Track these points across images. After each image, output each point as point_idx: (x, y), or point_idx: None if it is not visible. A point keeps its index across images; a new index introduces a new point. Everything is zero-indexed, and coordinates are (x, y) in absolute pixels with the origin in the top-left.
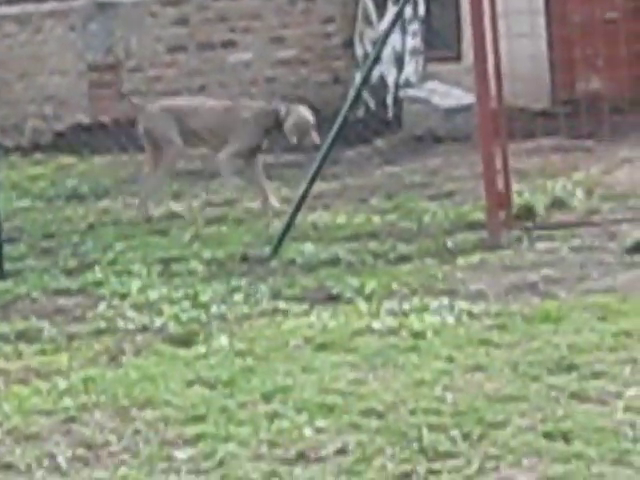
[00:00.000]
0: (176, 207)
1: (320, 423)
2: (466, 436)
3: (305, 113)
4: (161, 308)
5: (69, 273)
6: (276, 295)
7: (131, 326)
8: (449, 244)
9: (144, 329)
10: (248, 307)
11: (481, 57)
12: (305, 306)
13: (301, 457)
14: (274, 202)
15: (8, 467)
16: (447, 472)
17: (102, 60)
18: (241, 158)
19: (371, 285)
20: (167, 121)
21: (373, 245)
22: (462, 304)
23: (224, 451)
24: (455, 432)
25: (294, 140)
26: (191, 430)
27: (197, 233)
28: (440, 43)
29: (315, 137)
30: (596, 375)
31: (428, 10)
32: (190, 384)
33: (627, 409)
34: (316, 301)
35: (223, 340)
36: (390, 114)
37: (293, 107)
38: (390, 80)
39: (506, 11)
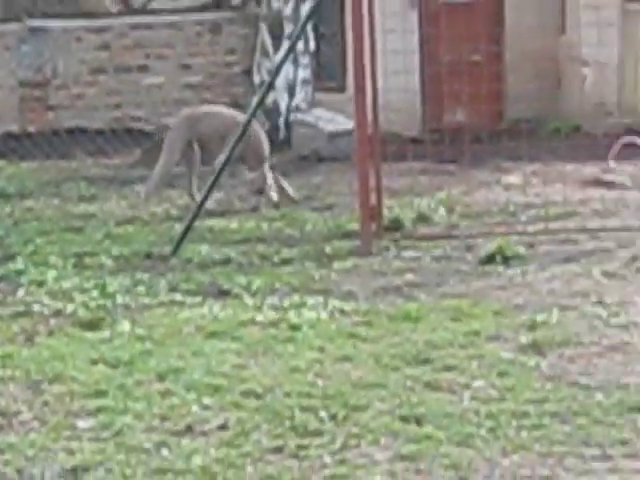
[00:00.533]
0: (91, 208)
1: (206, 401)
2: (332, 417)
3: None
4: (73, 296)
5: None
6: (174, 289)
7: (46, 311)
8: (326, 250)
9: (57, 314)
10: (149, 298)
11: (361, 89)
12: (199, 299)
13: (189, 430)
14: (275, 196)
15: None
16: (314, 448)
17: (32, 78)
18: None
19: (257, 283)
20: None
21: (260, 248)
22: (335, 302)
23: (121, 422)
24: (323, 413)
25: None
26: (93, 403)
27: (107, 232)
28: (327, 75)
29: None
30: (447, 368)
31: (317, 46)
32: (95, 363)
33: (473, 398)
34: (208, 295)
35: (125, 326)
36: (281, 135)
37: None
38: (282, 105)
39: (384, 50)
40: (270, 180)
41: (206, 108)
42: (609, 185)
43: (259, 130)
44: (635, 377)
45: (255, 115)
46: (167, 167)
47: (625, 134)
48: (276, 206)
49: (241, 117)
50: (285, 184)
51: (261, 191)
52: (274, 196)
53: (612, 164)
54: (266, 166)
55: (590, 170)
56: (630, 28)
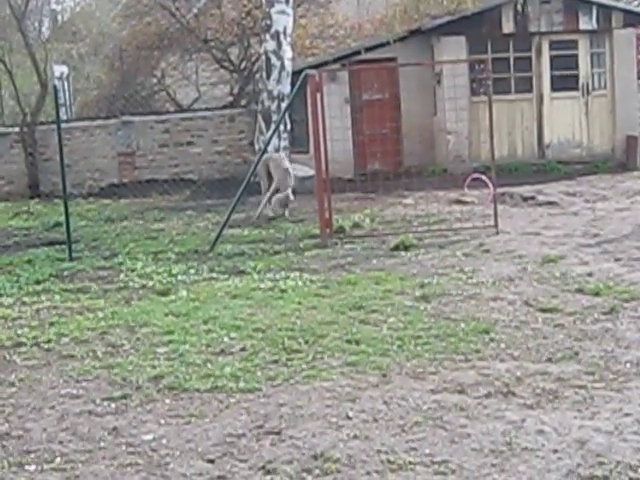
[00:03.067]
0: (161, 225)
1: (232, 335)
2: (306, 342)
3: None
4: (152, 276)
5: (105, 258)
6: (211, 270)
7: (136, 285)
8: (301, 245)
9: (143, 287)
10: (197, 276)
11: (318, 151)
12: (226, 276)
13: (222, 352)
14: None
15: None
16: (296, 360)
17: (124, 150)
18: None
19: (260, 265)
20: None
21: (262, 245)
22: (306, 275)
23: (183, 349)
24: (301, 340)
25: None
26: (166, 338)
27: (171, 239)
28: (298, 144)
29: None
30: (373, 311)
31: (292, 127)
32: (166, 315)
33: (388, 328)
34: (232, 273)
35: (184, 293)
36: None
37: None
38: None
39: (331, 128)
40: (292, 197)
41: (274, 155)
42: (464, 203)
43: (289, 167)
44: (483, 314)
45: (257, 166)
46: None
47: (473, 173)
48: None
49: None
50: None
51: (286, 204)
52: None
53: (466, 190)
54: (289, 190)
55: (453, 194)
56: (474, 112)
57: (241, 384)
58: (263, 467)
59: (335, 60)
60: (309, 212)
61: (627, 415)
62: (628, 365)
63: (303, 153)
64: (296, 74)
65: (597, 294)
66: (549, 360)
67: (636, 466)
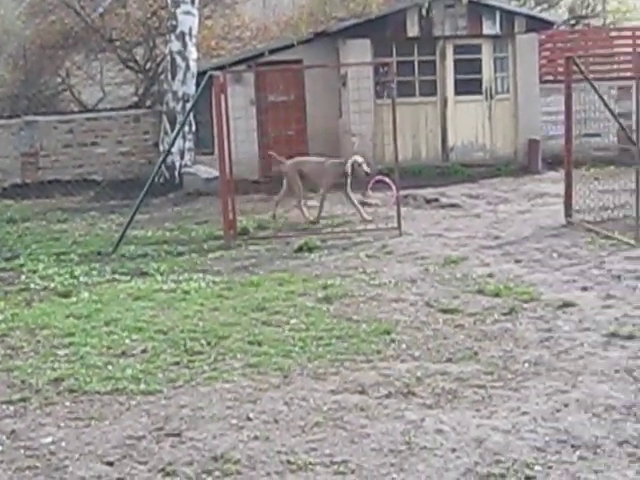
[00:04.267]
0: (64, 226)
1: (134, 337)
2: (208, 343)
3: (357, 157)
4: (54, 278)
5: (6, 260)
6: (114, 272)
7: (38, 287)
8: (204, 246)
9: (45, 289)
10: (99, 278)
11: (222, 153)
12: (129, 277)
13: (124, 354)
14: (365, 216)
15: None
16: (198, 361)
17: (28, 151)
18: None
19: (163, 267)
20: (294, 171)
21: (165, 247)
22: (209, 277)
23: (83, 351)
24: (203, 341)
25: (356, 173)
26: (67, 340)
27: (74, 240)
28: (203, 145)
29: (365, 168)
30: (276, 312)
31: (197, 128)
32: (67, 317)
33: (291, 330)
34: (134, 275)
35: (86, 294)
36: (177, 181)
37: (352, 157)
38: (177, 164)
39: (236, 129)
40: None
41: (303, 158)
42: (368, 205)
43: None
44: (385, 315)
45: (160, 167)
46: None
47: (377, 175)
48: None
49: (324, 161)
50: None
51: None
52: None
53: (370, 192)
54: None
55: (357, 196)
56: (378, 114)
57: (142, 386)
58: (163, 469)
59: (240, 61)
60: (213, 213)
61: (524, 414)
62: (526, 365)
63: (208, 154)
64: (201, 75)
65: (497, 295)
66: (449, 360)
67: (532, 464)
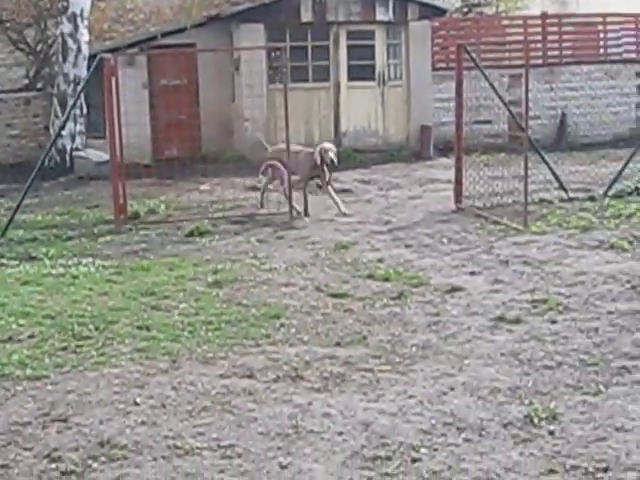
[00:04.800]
0: None
1: (21, 322)
2: (97, 328)
3: (325, 145)
4: None
5: None
6: (2, 256)
7: None
8: (95, 231)
9: None
10: None
11: (113, 137)
12: (17, 262)
13: (10, 339)
14: (343, 209)
15: None
16: (86, 346)
17: None
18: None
19: (52, 251)
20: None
21: (55, 231)
22: (99, 261)
23: None
24: (91, 326)
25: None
26: None
27: None
28: (94, 128)
29: (332, 156)
30: (165, 297)
31: (88, 111)
32: None
33: (180, 314)
34: (23, 259)
35: None
36: (67, 165)
37: (320, 145)
38: (67, 147)
39: (127, 113)
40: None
41: (282, 146)
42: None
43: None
44: (275, 299)
45: (51, 150)
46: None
47: (267, 160)
48: None
49: (300, 150)
50: None
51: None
52: None
53: (261, 177)
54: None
55: (250, 181)
56: (271, 99)
57: (28, 371)
58: (48, 455)
59: (133, 44)
60: (104, 197)
61: (411, 397)
62: (414, 348)
63: (100, 138)
64: (93, 58)
65: (387, 280)
66: (338, 344)
67: (418, 446)
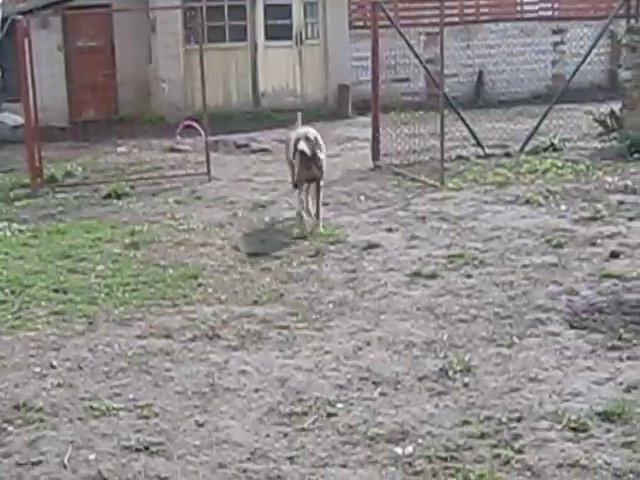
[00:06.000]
0: None
1: None
2: (12, 292)
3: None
4: None
5: None
6: None
7: None
8: (11, 195)
9: None
10: None
11: (26, 100)
12: None
13: None
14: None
15: None
16: (1, 310)
17: None
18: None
19: None
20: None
21: None
22: (15, 225)
23: None
24: (7, 290)
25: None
26: None
27: None
28: (9, 92)
29: (303, 147)
30: (82, 260)
31: (3, 74)
32: None
33: (97, 276)
34: None
35: None
36: None
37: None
38: None
39: (41, 75)
40: None
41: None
42: (179, 151)
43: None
44: (192, 259)
45: None
46: None
47: (185, 120)
48: None
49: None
50: None
51: None
52: None
53: (178, 138)
54: None
55: (168, 142)
56: (188, 60)
57: None
58: None
59: (48, 6)
60: (20, 161)
61: (327, 353)
62: (330, 305)
63: (15, 101)
64: (6, 21)
65: (304, 238)
66: (255, 303)
67: (334, 401)
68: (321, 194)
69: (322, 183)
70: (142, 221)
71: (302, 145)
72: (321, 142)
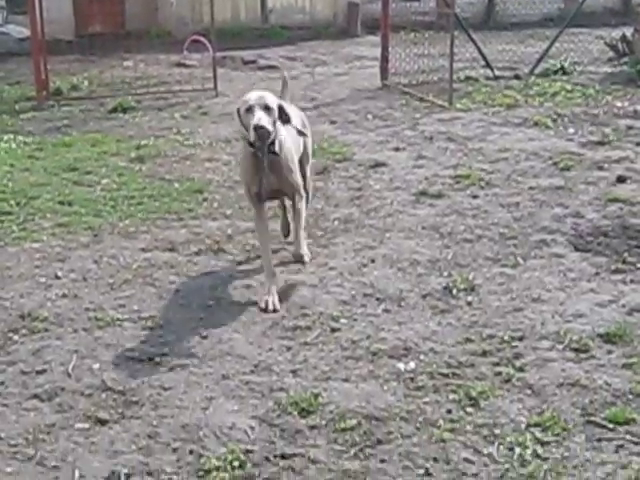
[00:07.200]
0: None
1: None
2: (18, 204)
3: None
4: None
5: None
6: None
7: None
8: (16, 107)
9: None
10: None
11: (33, 11)
12: None
13: None
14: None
15: None
16: (7, 222)
17: None
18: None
19: None
20: None
21: None
22: (21, 138)
23: None
24: (12, 202)
25: None
26: None
27: None
28: (16, 4)
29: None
30: (87, 172)
31: None
32: None
33: (102, 190)
34: None
35: None
36: None
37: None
38: None
39: None
40: None
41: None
42: (186, 66)
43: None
44: (198, 174)
45: None
46: None
47: (193, 35)
48: None
49: None
50: None
51: None
52: None
53: (185, 53)
54: None
55: (175, 57)
56: None
57: None
58: None
59: None
60: (26, 74)
61: (332, 269)
62: (336, 222)
63: (21, 13)
64: None
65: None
66: None
67: (338, 316)
68: (302, 218)
69: (306, 196)
70: (148, 135)
71: (259, 116)
72: (299, 117)
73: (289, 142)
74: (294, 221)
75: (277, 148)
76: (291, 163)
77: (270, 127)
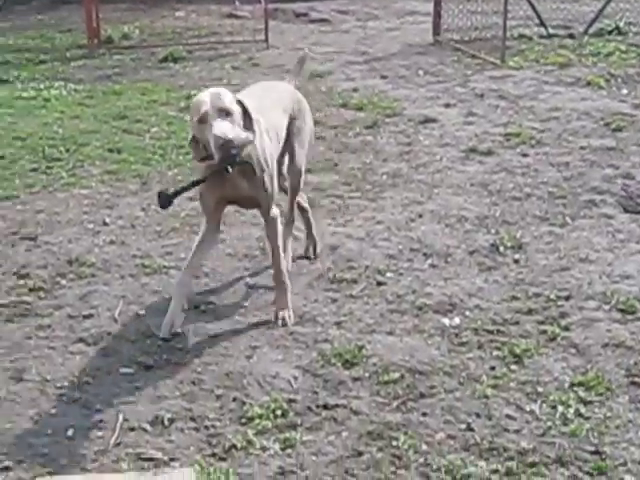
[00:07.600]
0: None
1: None
2: (67, 150)
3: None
4: None
5: None
6: None
7: None
8: (67, 55)
9: None
10: None
11: None
12: None
13: None
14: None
15: None
16: (56, 168)
17: None
18: None
19: (24, 74)
20: None
21: (27, 55)
22: (71, 85)
23: None
24: (62, 148)
25: None
26: None
27: None
28: None
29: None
30: (137, 121)
31: None
32: None
33: (151, 138)
34: None
35: None
36: None
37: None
38: None
39: None
40: None
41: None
42: (237, 17)
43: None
44: None
45: None
46: None
47: None
48: None
49: None
50: None
51: None
52: None
53: (237, 4)
54: None
55: (226, 8)
56: None
57: None
58: (17, 272)
59: None
60: (77, 22)
61: (379, 223)
62: (384, 177)
63: None
64: None
65: (360, 109)
66: (308, 171)
67: (384, 270)
68: (288, 245)
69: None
70: (198, 85)
71: (219, 126)
72: (300, 106)
73: (266, 141)
74: (271, 244)
75: (249, 152)
76: (267, 176)
77: (234, 135)
